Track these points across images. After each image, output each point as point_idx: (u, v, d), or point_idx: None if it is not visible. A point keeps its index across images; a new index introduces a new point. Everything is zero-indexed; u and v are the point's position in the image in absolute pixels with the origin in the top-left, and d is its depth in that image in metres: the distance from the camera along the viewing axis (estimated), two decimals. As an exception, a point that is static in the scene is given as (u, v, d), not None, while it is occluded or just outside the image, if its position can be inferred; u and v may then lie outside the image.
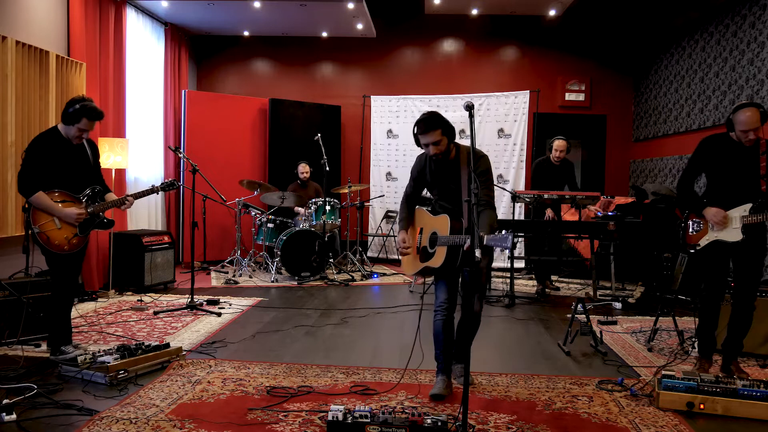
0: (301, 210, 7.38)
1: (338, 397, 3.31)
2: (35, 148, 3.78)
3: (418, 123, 3.32)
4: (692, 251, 3.84)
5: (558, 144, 6.37)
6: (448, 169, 3.40)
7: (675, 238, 4.01)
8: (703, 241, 3.78)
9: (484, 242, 2.82)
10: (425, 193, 3.71)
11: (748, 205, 3.61)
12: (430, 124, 3.27)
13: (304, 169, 7.77)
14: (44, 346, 4.12)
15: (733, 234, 3.65)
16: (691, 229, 3.86)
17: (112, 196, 4.11)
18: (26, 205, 3.82)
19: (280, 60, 9.25)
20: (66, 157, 3.86)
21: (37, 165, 3.75)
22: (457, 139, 3.52)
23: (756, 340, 4.11)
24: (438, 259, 3.31)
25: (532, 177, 6.61)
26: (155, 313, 5.26)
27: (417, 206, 3.64)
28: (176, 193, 8.23)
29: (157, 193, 4.68)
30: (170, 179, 4.54)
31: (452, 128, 3.35)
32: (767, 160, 3.57)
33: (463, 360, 3.25)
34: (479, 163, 3.28)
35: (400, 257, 3.67)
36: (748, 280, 3.72)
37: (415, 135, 3.37)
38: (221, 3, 7.26)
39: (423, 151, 3.46)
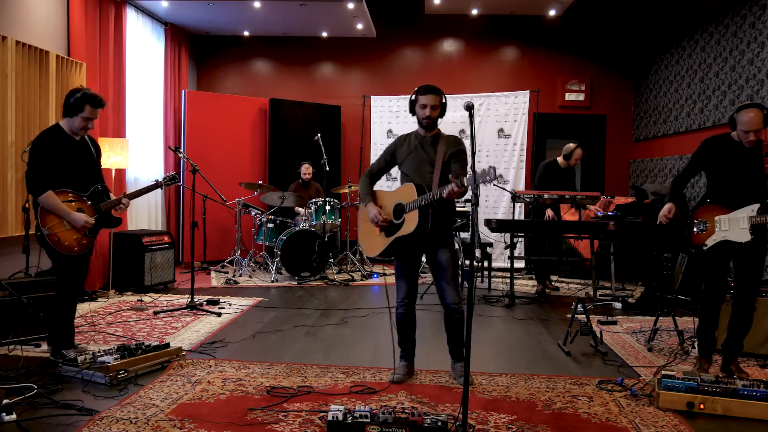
0: (301, 210, 7.39)
1: (338, 397, 3.32)
2: (40, 145, 3.70)
3: (421, 87, 3.46)
4: (697, 251, 3.83)
5: (578, 153, 6.43)
6: (426, 145, 3.52)
7: (675, 238, 4.02)
8: (710, 241, 3.75)
9: (465, 183, 2.99)
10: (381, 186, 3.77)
11: (756, 205, 3.59)
12: (435, 89, 3.45)
13: (307, 170, 7.79)
14: (44, 346, 4.11)
15: (741, 234, 3.63)
16: (696, 229, 3.85)
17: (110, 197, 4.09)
18: (26, 205, 3.80)
19: (280, 60, 9.25)
20: (71, 154, 3.80)
21: (44, 163, 3.68)
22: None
23: (756, 340, 4.11)
24: (410, 225, 3.35)
25: (539, 179, 6.57)
26: (155, 313, 5.26)
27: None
28: (176, 193, 8.24)
29: (162, 188, 4.65)
30: (171, 173, 4.51)
31: (445, 109, 3.54)
32: (772, 161, 3.58)
33: (463, 359, 3.25)
34: (458, 144, 3.47)
35: (363, 237, 3.72)
36: (749, 281, 3.72)
37: (411, 101, 3.49)
38: (221, 3, 7.26)
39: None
